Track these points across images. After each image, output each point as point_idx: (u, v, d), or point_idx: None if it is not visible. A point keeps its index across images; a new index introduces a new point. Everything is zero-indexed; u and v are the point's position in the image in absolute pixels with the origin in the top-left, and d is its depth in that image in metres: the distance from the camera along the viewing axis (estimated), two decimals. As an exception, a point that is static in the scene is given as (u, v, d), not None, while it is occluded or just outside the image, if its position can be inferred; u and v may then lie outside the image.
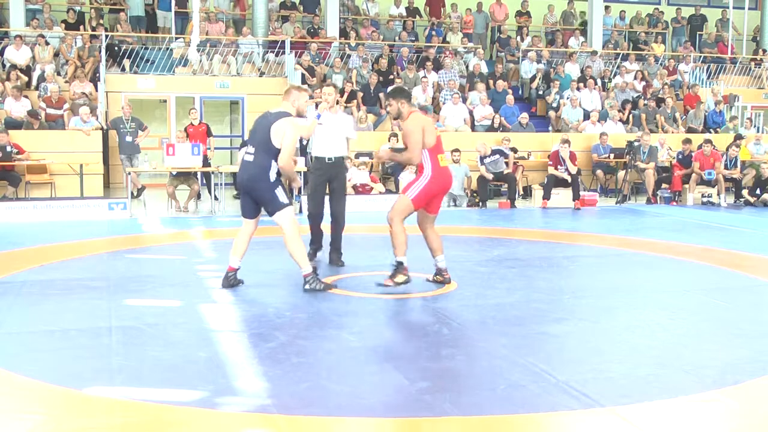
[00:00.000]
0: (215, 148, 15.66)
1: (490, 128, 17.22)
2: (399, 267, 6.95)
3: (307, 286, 6.92)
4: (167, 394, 4.36)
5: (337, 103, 8.80)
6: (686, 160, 15.62)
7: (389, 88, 7.19)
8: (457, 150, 14.65)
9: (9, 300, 6.64)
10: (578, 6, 23.54)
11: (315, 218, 8.51)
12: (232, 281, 7.11)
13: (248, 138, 6.81)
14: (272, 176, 6.75)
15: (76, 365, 4.89)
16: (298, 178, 7.30)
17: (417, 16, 22.19)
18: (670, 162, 16.18)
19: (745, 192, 15.56)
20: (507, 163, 15.01)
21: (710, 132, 18.52)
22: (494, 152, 14.92)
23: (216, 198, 13.79)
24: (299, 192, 13.30)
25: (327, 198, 8.50)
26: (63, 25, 18.54)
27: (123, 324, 5.81)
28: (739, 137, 17.06)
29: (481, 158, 14.84)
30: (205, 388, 4.41)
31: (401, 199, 7.01)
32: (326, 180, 8.38)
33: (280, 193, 6.79)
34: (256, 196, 6.87)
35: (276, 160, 6.70)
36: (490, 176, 14.71)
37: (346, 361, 5.09)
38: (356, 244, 9.16)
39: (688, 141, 15.85)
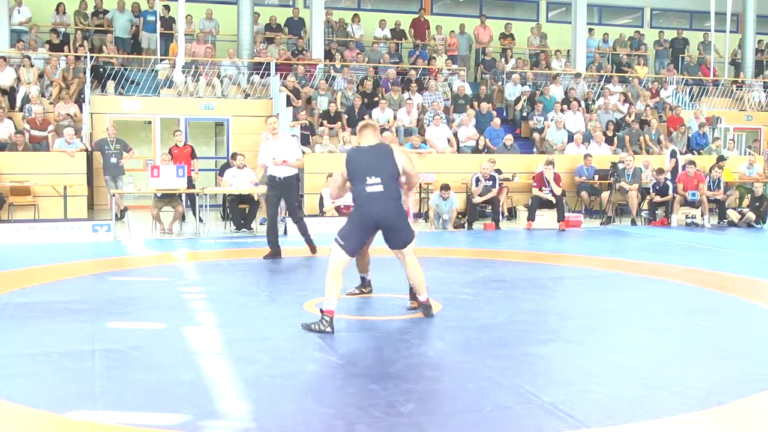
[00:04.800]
0: (200, 170, 15.62)
1: (475, 149, 17.28)
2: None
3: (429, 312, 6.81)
4: (151, 417, 4.32)
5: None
6: (663, 190, 15.67)
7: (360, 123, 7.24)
8: (447, 188, 14.43)
9: (-9, 323, 6.58)
10: (561, 28, 23.82)
11: (271, 225, 10.47)
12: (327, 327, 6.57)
13: (366, 169, 6.55)
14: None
15: (58, 389, 4.83)
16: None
17: (402, 38, 22.35)
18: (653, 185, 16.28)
19: (733, 212, 15.67)
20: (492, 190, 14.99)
21: (693, 153, 18.67)
22: (489, 177, 14.95)
23: (200, 220, 13.76)
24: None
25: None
26: (47, 46, 18.54)
27: (106, 347, 5.76)
28: (721, 159, 17.21)
29: (477, 180, 14.81)
30: (188, 412, 4.37)
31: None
32: (279, 195, 10.34)
33: (410, 223, 6.76)
34: (396, 228, 6.62)
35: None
36: (479, 200, 14.70)
37: (331, 383, 5.07)
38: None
39: (661, 171, 15.93)
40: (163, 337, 6.21)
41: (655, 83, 21.76)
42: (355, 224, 6.54)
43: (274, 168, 10.24)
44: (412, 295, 7.14)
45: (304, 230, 10.62)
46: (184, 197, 13.87)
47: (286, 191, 10.37)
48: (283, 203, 10.73)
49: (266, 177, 10.51)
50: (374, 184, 6.51)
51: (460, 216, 14.94)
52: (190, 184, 13.85)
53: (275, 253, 10.42)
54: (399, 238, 6.66)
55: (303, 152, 15.33)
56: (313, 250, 10.60)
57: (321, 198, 14.37)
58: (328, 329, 6.18)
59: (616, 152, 17.93)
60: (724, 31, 22.39)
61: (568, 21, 23.07)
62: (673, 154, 16.80)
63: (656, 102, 21.04)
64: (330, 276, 6.36)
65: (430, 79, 19.78)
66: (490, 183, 14.87)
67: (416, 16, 22.72)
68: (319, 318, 6.26)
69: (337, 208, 13.94)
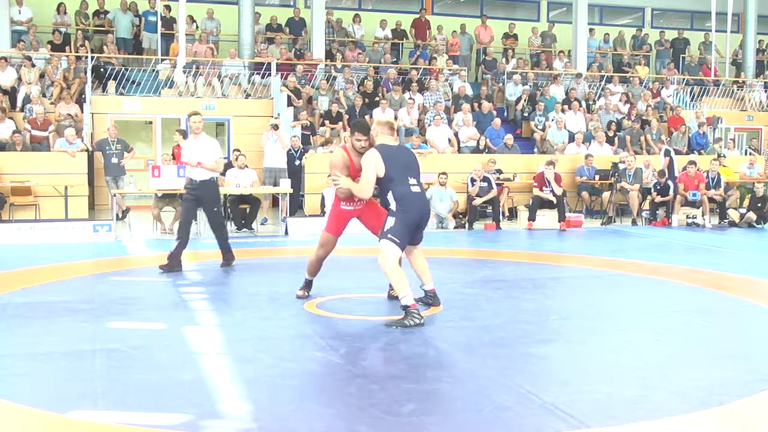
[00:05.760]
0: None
1: (476, 150, 17.28)
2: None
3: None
4: (151, 417, 4.33)
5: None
6: (664, 190, 15.62)
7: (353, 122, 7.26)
8: (444, 173, 14.60)
9: (-9, 323, 6.58)
10: (560, 28, 23.85)
11: (183, 225, 9.53)
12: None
13: (406, 169, 6.79)
14: None
15: (59, 389, 4.84)
16: None
17: (403, 39, 22.34)
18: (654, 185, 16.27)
19: (734, 213, 15.69)
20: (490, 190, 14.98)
21: (694, 153, 18.66)
22: (484, 179, 14.95)
23: (195, 219, 13.75)
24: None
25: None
26: (49, 47, 18.56)
27: (107, 347, 5.76)
28: (718, 156, 17.27)
29: (472, 181, 14.85)
30: (189, 412, 4.38)
31: None
32: (195, 198, 9.51)
33: None
34: (426, 225, 7.03)
35: None
36: (479, 201, 14.69)
37: (331, 383, 5.07)
38: (342, 266, 9.14)
39: (663, 173, 15.88)
40: (164, 337, 6.22)
41: (655, 83, 21.76)
42: (406, 222, 6.68)
43: (191, 170, 9.54)
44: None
45: (223, 239, 9.73)
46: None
47: (203, 196, 9.55)
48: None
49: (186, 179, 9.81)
50: (415, 185, 6.79)
51: (460, 216, 14.96)
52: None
53: (174, 263, 9.33)
54: (422, 234, 7.04)
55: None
56: (230, 259, 9.75)
57: (323, 198, 14.38)
58: (422, 321, 6.45)
59: (616, 152, 17.92)
60: (725, 31, 22.39)
61: (569, 21, 23.08)
62: (666, 153, 16.79)
63: (657, 102, 21.03)
64: (393, 272, 6.56)
65: (431, 79, 19.78)
66: (486, 184, 14.86)
67: (417, 16, 22.72)
68: (403, 315, 6.48)
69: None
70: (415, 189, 6.78)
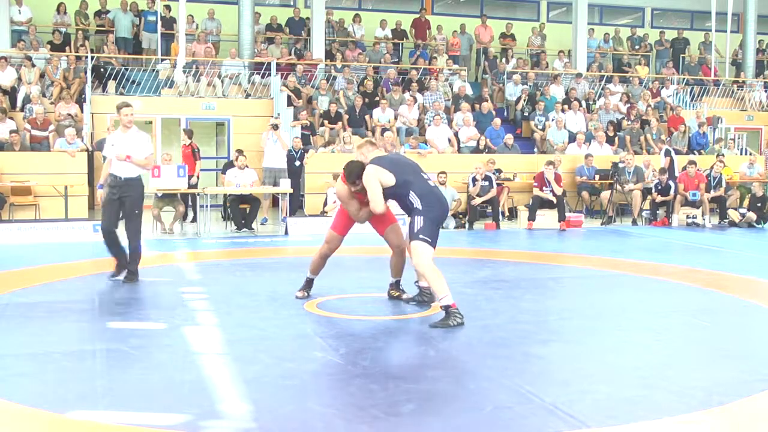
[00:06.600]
0: (201, 170, 15.62)
1: (476, 149, 17.27)
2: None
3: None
4: (151, 417, 4.32)
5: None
6: (665, 190, 15.62)
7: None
8: (443, 172, 14.59)
9: (-9, 323, 6.58)
10: (559, 28, 23.85)
11: (106, 233, 8.58)
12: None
13: (415, 167, 6.94)
14: None
15: (59, 389, 4.83)
16: None
17: (403, 38, 22.34)
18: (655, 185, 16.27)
19: (734, 212, 15.69)
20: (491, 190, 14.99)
21: (694, 153, 18.66)
22: (485, 177, 14.94)
23: (194, 219, 13.76)
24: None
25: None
26: (49, 47, 18.56)
27: (107, 347, 5.76)
28: (719, 154, 17.29)
29: (473, 180, 14.85)
30: (189, 412, 4.38)
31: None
32: (118, 198, 8.52)
33: None
34: None
35: None
36: (478, 201, 14.70)
37: (331, 383, 5.07)
38: (342, 266, 9.14)
39: (663, 171, 15.87)
40: (164, 337, 6.22)
41: (655, 83, 21.76)
42: (434, 219, 6.68)
43: (117, 165, 8.52)
44: (397, 285, 7.56)
45: (135, 247, 8.65)
46: (188, 197, 13.90)
47: (126, 196, 8.52)
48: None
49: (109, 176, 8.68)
50: (429, 179, 6.86)
51: (460, 216, 14.96)
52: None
53: (121, 264, 8.68)
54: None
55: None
56: (132, 276, 8.60)
57: (326, 198, 14.40)
58: (463, 321, 6.42)
59: (616, 152, 17.92)
60: (725, 31, 22.38)
61: (569, 21, 23.09)
62: (666, 153, 16.80)
63: (657, 102, 21.02)
64: (431, 273, 6.53)
65: (431, 79, 19.78)
66: (487, 183, 14.86)
67: (417, 16, 22.72)
68: (444, 315, 6.47)
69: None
70: (432, 183, 6.87)
